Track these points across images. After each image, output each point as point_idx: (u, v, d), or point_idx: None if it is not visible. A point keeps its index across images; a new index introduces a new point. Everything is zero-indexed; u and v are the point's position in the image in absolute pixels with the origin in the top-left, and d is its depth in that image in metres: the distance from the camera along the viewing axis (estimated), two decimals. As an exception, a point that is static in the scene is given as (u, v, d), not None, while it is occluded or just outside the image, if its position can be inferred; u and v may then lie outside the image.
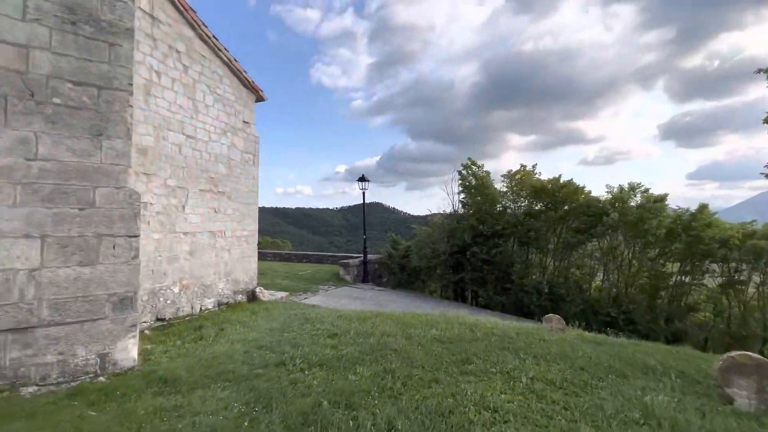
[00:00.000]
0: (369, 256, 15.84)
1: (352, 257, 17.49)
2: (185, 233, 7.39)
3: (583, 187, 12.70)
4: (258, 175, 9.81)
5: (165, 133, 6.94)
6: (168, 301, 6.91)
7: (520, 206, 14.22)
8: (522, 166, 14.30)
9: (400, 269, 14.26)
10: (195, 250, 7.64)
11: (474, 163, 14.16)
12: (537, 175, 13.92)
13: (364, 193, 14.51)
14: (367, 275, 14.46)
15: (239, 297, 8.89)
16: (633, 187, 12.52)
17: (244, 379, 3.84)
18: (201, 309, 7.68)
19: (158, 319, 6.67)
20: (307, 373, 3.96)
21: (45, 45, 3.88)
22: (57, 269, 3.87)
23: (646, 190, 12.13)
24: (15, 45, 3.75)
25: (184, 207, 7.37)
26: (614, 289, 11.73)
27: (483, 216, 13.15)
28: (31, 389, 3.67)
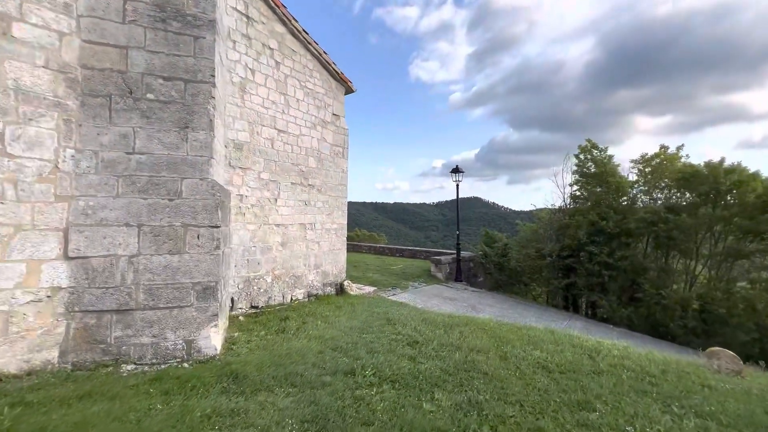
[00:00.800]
0: (464, 254, 14.76)
1: (444, 253, 16.62)
2: (277, 225, 7.64)
3: (761, 174, 9.24)
4: (347, 168, 9.74)
5: (259, 128, 7.21)
6: (261, 290, 7.22)
7: (657, 199, 11.30)
8: (662, 147, 11.31)
9: (497, 269, 12.84)
10: (286, 242, 7.86)
11: (594, 146, 11.68)
12: (684, 159, 10.83)
13: (458, 185, 13.47)
14: (460, 274, 13.44)
15: (328, 289, 8.95)
16: None
17: (309, 386, 3.49)
18: (291, 299, 7.89)
19: (252, 307, 7.00)
20: (375, 390, 3.40)
21: (140, 44, 4.10)
22: (151, 257, 4.09)
23: None
24: (117, 47, 4.03)
25: (276, 200, 7.61)
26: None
27: (604, 210, 10.77)
28: (129, 367, 3.94)
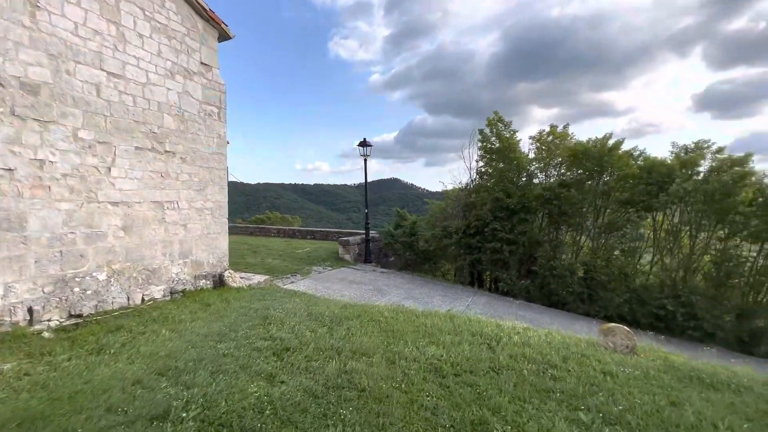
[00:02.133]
0: (374, 234, 14.01)
1: (355, 234, 15.73)
2: (114, 203, 5.67)
3: (638, 150, 10.13)
4: (225, 133, 7.95)
5: (71, 65, 5.08)
6: (87, 292, 5.29)
7: (551, 176, 11.86)
8: (552, 126, 11.78)
9: (407, 248, 12.38)
10: (131, 225, 5.94)
11: (500, 119, 11.61)
12: (572, 138, 11.43)
13: (365, 160, 12.46)
14: (369, 255, 12.67)
15: (202, 282, 7.26)
16: (699, 146, 9.83)
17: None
18: (143, 300, 6.07)
19: (72, 315, 5.08)
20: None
21: None
22: None
23: (720, 150, 9.39)
24: None
25: (110, 168, 5.61)
26: (669, 277, 9.45)
27: (508, 186, 10.85)
28: None
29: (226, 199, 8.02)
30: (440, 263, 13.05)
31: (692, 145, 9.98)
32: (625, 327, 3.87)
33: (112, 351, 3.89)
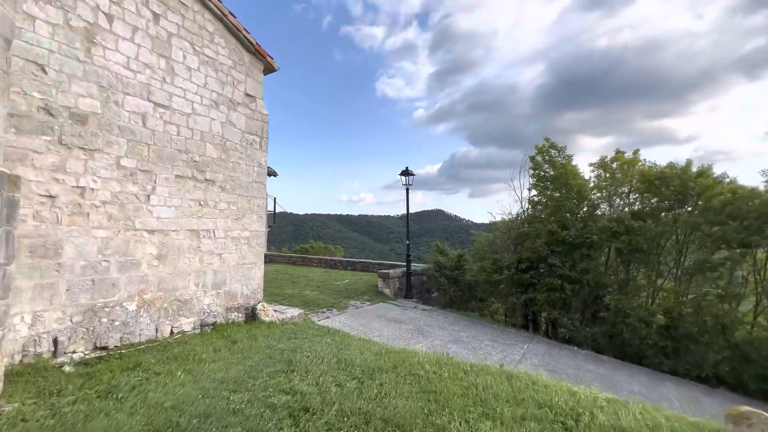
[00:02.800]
0: (417, 266, 13.24)
1: (397, 266, 15.05)
2: (150, 231, 5.60)
3: (728, 177, 8.56)
4: (266, 162, 7.90)
5: (119, 96, 5.22)
6: (116, 323, 5.11)
7: (617, 206, 10.48)
8: (618, 151, 10.52)
9: (451, 284, 11.39)
10: (166, 254, 5.82)
11: (553, 145, 10.60)
12: (642, 164, 10.08)
13: (407, 190, 11.98)
14: (410, 289, 11.85)
15: (233, 315, 6.94)
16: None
17: None
18: (172, 332, 5.81)
19: (98, 348, 4.88)
20: None
21: None
22: None
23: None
24: None
25: (149, 197, 5.59)
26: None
27: (564, 217, 9.67)
28: None
29: (264, 228, 7.84)
30: (489, 301, 11.85)
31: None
32: (765, 414, 2.76)
33: (120, 395, 3.50)
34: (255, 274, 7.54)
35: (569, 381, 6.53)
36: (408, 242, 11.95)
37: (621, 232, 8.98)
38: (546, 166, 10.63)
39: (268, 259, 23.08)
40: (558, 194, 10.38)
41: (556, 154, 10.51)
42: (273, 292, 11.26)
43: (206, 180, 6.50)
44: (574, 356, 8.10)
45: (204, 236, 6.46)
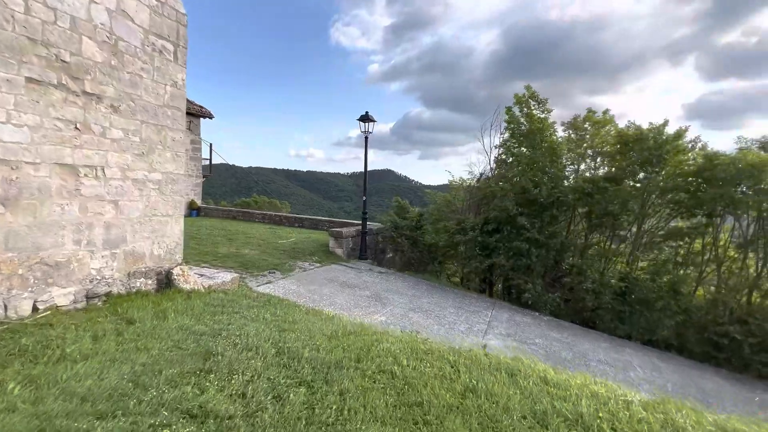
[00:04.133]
0: (370, 225, 12.09)
1: (349, 224, 13.81)
2: (-17, 161, 3.63)
3: (700, 142, 8.37)
4: (184, 82, 5.89)
5: None
6: None
7: (582, 171, 10.04)
8: (589, 111, 9.91)
9: (410, 245, 10.50)
10: (17, 197, 3.92)
11: (533, 95, 9.63)
12: (614, 125, 9.59)
13: (366, 138, 10.46)
14: (365, 250, 10.76)
15: (140, 282, 5.28)
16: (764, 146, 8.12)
17: None
18: (36, 308, 4.07)
19: None
20: None
21: None
22: None
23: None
24: None
25: (-25, 106, 3.56)
26: (733, 298, 7.77)
27: (537, 176, 8.92)
28: None
29: (183, 171, 6.01)
30: (447, 266, 11.22)
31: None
32: None
33: None
34: (171, 229, 5.81)
35: (541, 353, 6.01)
36: (365, 198, 10.65)
37: (593, 193, 8.51)
38: (523, 120, 9.69)
39: (204, 213, 20.49)
40: (530, 152, 9.56)
41: (536, 105, 9.59)
42: (203, 251, 9.50)
43: (85, 93, 4.47)
44: (537, 323, 7.72)
45: (86, 175, 4.56)
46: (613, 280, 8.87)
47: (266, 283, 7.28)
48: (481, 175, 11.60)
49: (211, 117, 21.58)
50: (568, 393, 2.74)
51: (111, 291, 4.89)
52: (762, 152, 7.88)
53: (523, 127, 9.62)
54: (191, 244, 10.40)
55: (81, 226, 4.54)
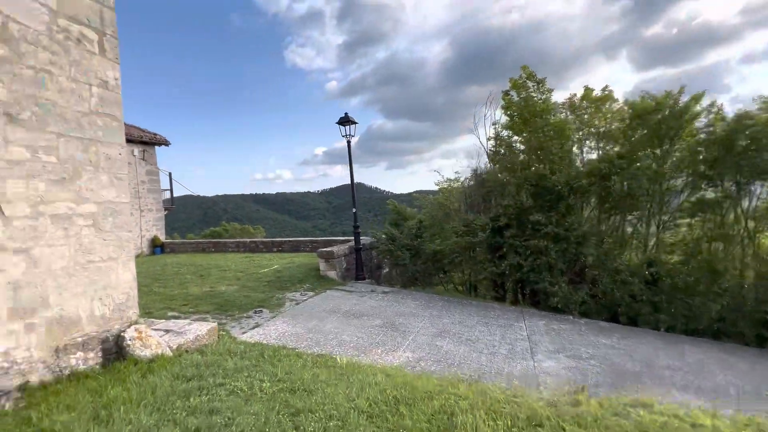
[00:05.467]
0: (363, 240, 10.80)
1: (336, 242, 12.43)
2: None
3: (715, 107, 7.79)
4: (118, 81, 4.49)
5: None
6: None
7: (585, 151, 9.32)
8: (586, 88, 9.24)
9: (412, 257, 9.26)
10: None
11: (531, 76, 8.73)
12: (617, 102, 8.95)
13: (349, 143, 9.24)
14: (362, 269, 9.43)
15: (75, 359, 3.74)
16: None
17: None
18: None
19: None
20: None
21: None
22: None
23: None
24: None
25: None
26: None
27: (551, 161, 7.94)
28: None
29: (127, 199, 4.53)
30: (454, 275, 10.08)
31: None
32: None
33: None
34: (118, 277, 4.30)
35: (606, 369, 4.93)
36: (355, 210, 9.36)
37: (611, 174, 7.67)
38: (521, 103, 8.79)
39: (169, 249, 18.38)
40: (536, 137, 8.61)
41: (535, 87, 8.74)
42: (169, 295, 7.86)
43: (-44, 95, 3.01)
44: (577, 329, 6.69)
45: (-31, 216, 3.06)
46: (648, 267, 8.02)
47: (253, 328, 5.83)
48: (476, 171, 10.66)
49: (167, 144, 19.75)
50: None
51: (29, 381, 3.35)
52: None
53: (525, 113, 8.71)
54: (154, 287, 8.71)
55: (-34, 292, 3.01)
